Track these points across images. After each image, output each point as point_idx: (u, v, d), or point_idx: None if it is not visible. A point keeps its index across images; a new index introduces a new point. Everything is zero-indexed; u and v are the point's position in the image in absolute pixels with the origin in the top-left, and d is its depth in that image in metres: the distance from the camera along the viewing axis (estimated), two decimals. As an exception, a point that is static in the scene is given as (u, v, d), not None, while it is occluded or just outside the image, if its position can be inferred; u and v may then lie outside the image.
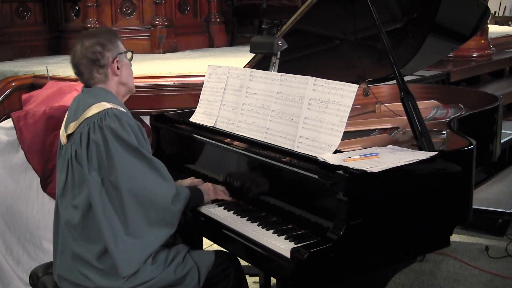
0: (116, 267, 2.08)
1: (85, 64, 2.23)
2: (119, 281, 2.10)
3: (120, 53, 2.29)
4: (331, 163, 2.03)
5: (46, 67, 3.95)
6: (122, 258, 2.08)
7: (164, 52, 5.30)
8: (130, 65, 2.35)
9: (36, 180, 3.31)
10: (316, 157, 2.11)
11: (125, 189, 2.09)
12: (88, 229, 2.14)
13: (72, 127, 2.20)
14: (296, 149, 2.21)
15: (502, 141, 3.43)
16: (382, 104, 3.20)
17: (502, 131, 3.21)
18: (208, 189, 2.36)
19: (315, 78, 2.25)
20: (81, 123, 2.17)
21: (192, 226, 2.38)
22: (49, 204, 3.31)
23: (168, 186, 2.16)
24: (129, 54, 2.34)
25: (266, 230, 2.10)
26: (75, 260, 2.16)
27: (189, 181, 2.49)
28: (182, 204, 2.18)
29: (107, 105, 2.16)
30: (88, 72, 2.24)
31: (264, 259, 2.03)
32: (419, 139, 2.25)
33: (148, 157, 2.14)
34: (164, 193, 2.13)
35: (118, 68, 2.27)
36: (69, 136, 2.22)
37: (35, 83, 4.04)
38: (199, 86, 2.81)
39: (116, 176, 2.08)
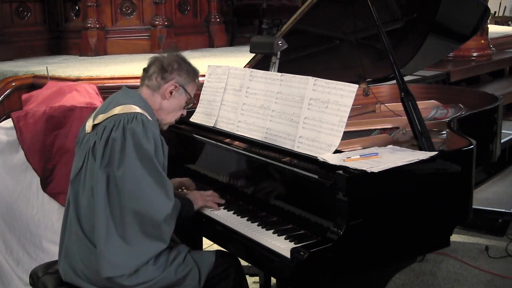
0: (99, 265, 2.08)
1: (157, 66, 2.30)
2: (121, 278, 2.09)
3: (185, 89, 2.32)
4: (331, 163, 2.03)
5: (46, 67, 3.94)
6: (108, 259, 2.07)
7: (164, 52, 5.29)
8: (183, 110, 2.37)
9: (36, 180, 3.30)
10: (316, 157, 2.11)
11: (127, 193, 2.08)
12: (91, 222, 2.14)
13: (99, 118, 2.22)
14: (296, 149, 2.21)
15: (502, 141, 3.44)
16: (382, 104, 3.20)
17: (502, 131, 3.21)
18: (196, 198, 2.34)
19: (315, 78, 2.25)
20: (108, 117, 2.18)
21: (192, 226, 2.38)
22: (49, 204, 3.31)
23: (168, 205, 2.13)
24: (188, 100, 2.35)
25: (266, 230, 2.10)
26: (80, 250, 2.17)
27: (178, 181, 2.51)
28: (174, 222, 2.18)
29: (138, 109, 2.17)
30: (153, 72, 2.30)
31: (264, 259, 2.03)
32: (419, 139, 2.25)
33: (159, 170, 2.13)
34: (162, 211, 2.11)
35: (170, 93, 2.29)
36: (94, 127, 2.22)
37: (35, 83, 4.05)
38: (199, 86, 2.80)
39: (122, 177, 2.08)
